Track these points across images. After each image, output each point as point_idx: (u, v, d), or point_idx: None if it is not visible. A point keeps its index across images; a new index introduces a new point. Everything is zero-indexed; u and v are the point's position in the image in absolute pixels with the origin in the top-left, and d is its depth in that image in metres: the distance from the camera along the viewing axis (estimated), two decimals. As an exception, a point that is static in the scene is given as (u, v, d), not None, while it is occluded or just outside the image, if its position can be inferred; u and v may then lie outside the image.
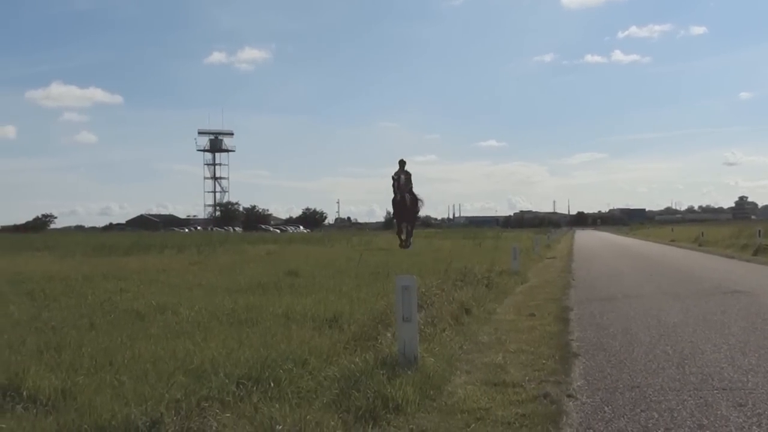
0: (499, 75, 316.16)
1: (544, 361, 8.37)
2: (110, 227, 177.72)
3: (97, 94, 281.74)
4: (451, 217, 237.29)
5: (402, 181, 33.38)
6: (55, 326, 9.18)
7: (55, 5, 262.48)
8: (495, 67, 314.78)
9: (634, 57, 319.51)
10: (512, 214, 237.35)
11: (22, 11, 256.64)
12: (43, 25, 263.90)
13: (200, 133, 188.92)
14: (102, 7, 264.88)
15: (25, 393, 5.90)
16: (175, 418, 5.44)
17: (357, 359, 7.29)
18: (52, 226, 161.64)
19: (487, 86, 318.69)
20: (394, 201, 34.12)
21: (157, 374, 6.57)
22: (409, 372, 6.87)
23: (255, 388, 6.18)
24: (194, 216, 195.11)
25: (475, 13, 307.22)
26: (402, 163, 34.42)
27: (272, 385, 6.28)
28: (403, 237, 34.31)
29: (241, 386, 6.17)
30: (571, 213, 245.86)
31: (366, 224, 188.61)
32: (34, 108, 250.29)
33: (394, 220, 36.25)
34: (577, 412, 6.34)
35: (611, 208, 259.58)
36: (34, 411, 5.64)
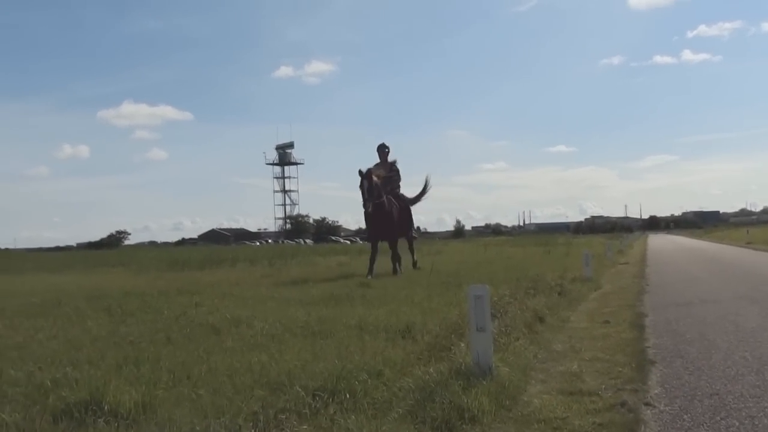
0: (566, 79, 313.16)
1: (620, 369, 8.27)
2: (182, 242, 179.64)
3: (167, 111, 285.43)
4: (521, 224, 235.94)
5: (370, 186, 22.42)
6: (133, 341, 9.35)
7: (125, 26, 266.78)
8: (562, 71, 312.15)
9: (704, 56, 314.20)
10: (583, 220, 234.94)
11: (93, 33, 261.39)
12: (113, 45, 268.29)
13: (277, 147, 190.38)
14: (171, 27, 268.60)
15: (106, 407, 5.98)
16: (253, 430, 5.50)
17: (431, 370, 7.27)
18: (126, 242, 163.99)
19: (555, 91, 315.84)
20: (365, 214, 23.23)
21: (234, 387, 6.65)
22: (484, 382, 6.84)
23: (331, 399, 6.20)
24: (265, 229, 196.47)
25: (540, 17, 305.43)
26: (381, 151, 24.72)
27: (348, 396, 6.29)
28: (374, 265, 23.05)
29: (317, 398, 6.19)
30: (642, 217, 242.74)
31: (435, 233, 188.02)
32: (107, 127, 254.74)
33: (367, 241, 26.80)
34: (655, 421, 6.25)
35: (684, 211, 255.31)
36: (116, 425, 5.72)
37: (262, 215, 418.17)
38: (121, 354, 8.39)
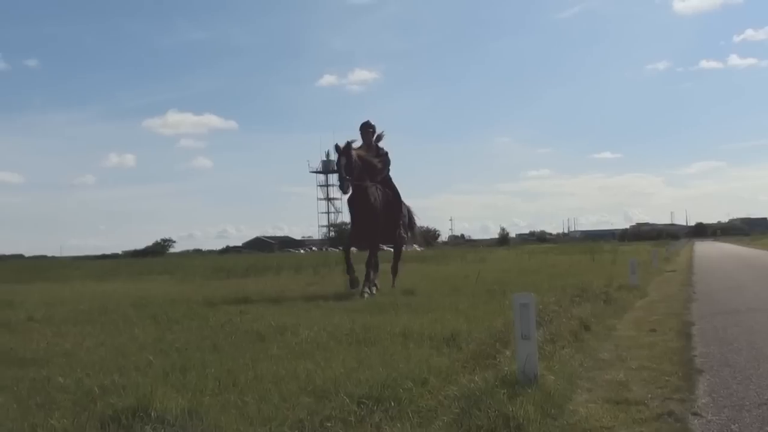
0: (611, 85, 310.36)
1: (667, 378, 8.18)
2: (227, 250, 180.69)
3: (212, 120, 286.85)
4: (566, 231, 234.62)
5: (349, 163, 18.02)
6: (180, 348, 9.43)
7: (171, 36, 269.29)
8: (607, 77, 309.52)
9: (751, 61, 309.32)
10: (629, 227, 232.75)
11: (139, 43, 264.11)
12: (159, 55, 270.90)
13: (323, 159, 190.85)
14: (215, 36, 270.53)
15: (153, 414, 6.02)
16: (299, 438, 5.53)
17: (476, 378, 7.26)
18: (172, 250, 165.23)
19: (600, 97, 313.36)
20: (349, 202, 19.14)
21: (280, 395, 6.67)
22: (529, 390, 6.80)
23: (376, 407, 6.19)
24: (309, 237, 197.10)
25: (583, 24, 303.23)
26: (365, 131, 19.75)
27: (393, 404, 6.28)
28: (355, 274, 18.88)
29: (362, 406, 6.20)
30: (689, 224, 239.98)
31: (480, 241, 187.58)
32: (152, 136, 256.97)
33: (343, 248, 21.55)
34: (702, 431, 6.19)
35: (731, 218, 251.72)
36: (163, 431, 5.79)
37: (306, 223, 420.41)
38: (168, 361, 8.47)
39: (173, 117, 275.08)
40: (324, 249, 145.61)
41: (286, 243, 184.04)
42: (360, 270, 19.02)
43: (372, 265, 18.85)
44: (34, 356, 9.20)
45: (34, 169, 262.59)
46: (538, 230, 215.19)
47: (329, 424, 5.81)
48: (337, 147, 18.26)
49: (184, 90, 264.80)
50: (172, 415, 6.01)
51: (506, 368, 7.47)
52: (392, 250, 22.12)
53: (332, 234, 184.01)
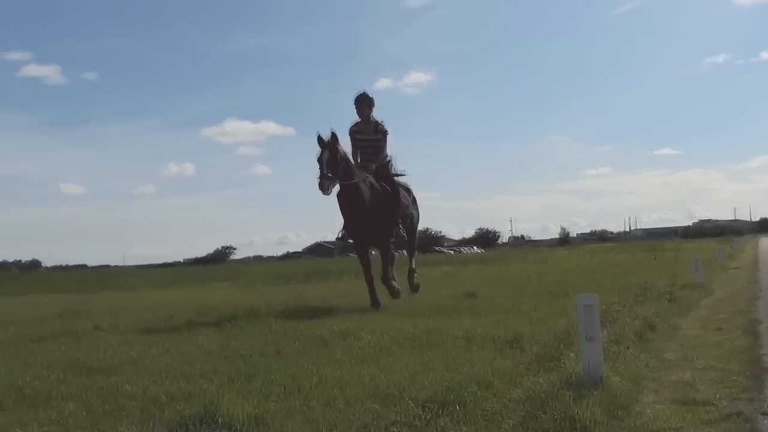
0: (669, 80, 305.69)
1: (734, 378, 8.05)
2: (288, 256, 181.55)
3: (269, 127, 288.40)
4: (627, 230, 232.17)
5: (333, 158, 15.21)
6: (244, 355, 9.50)
7: (226, 44, 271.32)
8: (664, 72, 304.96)
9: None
10: (691, 224, 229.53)
11: (196, 52, 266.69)
12: (215, 64, 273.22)
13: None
14: (270, 44, 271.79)
15: (220, 420, 6.08)
16: (365, 443, 5.54)
17: (541, 380, 7.22)
18: (233, 257, 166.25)
19: (658, 93, 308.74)
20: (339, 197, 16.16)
21: (345, 399, 6.69)
22: (595, 392, 6.75)
23: (441, 411, 6.18)
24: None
25: (638, 19, 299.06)
26: (360, 105, 16.72)
27: (458, 408, 6.27)
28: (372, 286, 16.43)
29: (427, 410, 6.18)
30: (753, 220, 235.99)
31: (540, 241, 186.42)
32: (211, 144, 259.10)
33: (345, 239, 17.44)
34: (773, 431, 6.10)
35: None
36: (231, 437, 5.85)
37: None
38: (233, 367, 8.54)
39: (231, 125, 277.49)
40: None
41: (347, 248, 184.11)
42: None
43: (389, 258, 16.82)
44: (101, 365, 9.32)
45: (96, 180, 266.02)
46: (599, 229, 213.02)
47: (395, 429, 5.82)
48: (319, 138, 15.24)
49: (242, 98, 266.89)
50: (239, 422, 6.05)
51: (571, 370, 7.41)
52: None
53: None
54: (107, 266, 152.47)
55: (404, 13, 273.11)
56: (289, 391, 7.17)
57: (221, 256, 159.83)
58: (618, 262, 36.49)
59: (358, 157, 16.62)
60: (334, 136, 15.39)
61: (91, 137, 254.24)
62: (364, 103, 16.75)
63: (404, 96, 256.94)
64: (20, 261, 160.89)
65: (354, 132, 16.80)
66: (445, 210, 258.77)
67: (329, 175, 15.03)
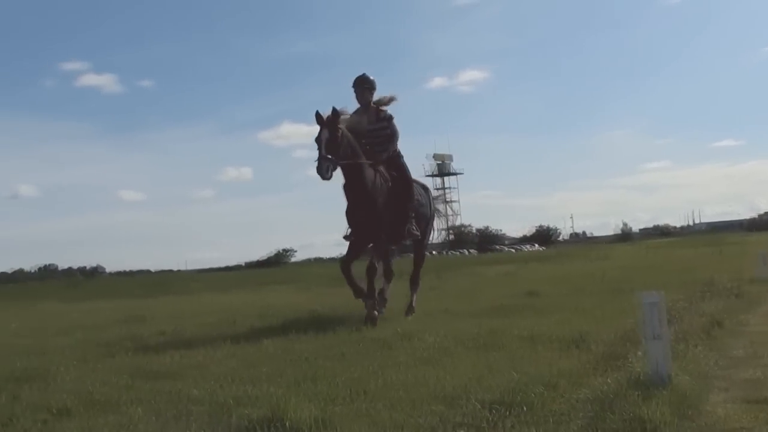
0: (727, 70, 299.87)
1: (807, 374, 7.92)
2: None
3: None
4: (690, 223, 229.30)
5: (333, 138, 13.13)
6: (308, 357, 9.53)
7: (278, 48, 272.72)
8: (722, 62, 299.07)
9: None
10: (756, 216, 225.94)
11: (248, 57, 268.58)
12: (268, 68, 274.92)
13: (434, 157, 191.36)
14: (322, 46, 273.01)
15: (287, 423, 6.10)
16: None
17: (608, 380, 7.16)
18: (292, 259, 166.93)
19: (716, 83, 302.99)
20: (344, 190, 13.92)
21: (410, 402, 6.68)
22: (663, 391, 6.66)
23: (508, 412, 6.15)
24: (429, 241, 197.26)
25: (694, 9, 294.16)
26: (360, 88, 14.43)
27: (525, 409, 6.24)
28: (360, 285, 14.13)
29: (493, 411, 6.17)
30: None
31: (600, 237, 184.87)
32: (267, 148, 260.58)
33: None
34: None
35: None
36: (297, 441, 5.88)
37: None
38: (298, 370, 8.57)
39: (287, 128, 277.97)
40: (444, 252, 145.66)
41: (405, 248, 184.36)
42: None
43: (372, 271, 14.16)
44: (168, 369, 9.40)
45: (155, 185, 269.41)
46: (661, 224, 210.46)
47: (461, 431, 5.81)
48: (318, 116, 13.19)
49: (296, 101, 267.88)
50: (306, 425, 6.07)
51: (638, 369, 7.33)
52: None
53: (451, 237, 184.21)
54: (169, 271, 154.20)
55: (454, 11, 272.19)
56: (354, 394, 7.17)
57: (281, 258, 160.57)
58: (681, 257, 36.07)
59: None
60: (335, 112, 13.29)
61: (148, 144, 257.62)
62: (364, 86, 14.40)
63: (459, 94, 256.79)
64: (84, 267, 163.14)
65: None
66: (503, 208, 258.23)
67: (329, 156, 12.88)
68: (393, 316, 14.02)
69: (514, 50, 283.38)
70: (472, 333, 10.74)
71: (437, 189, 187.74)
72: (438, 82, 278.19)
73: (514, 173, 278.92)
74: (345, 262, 14.41)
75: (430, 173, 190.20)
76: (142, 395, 7.79)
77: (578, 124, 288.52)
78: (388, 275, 15.05)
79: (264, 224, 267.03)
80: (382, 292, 14.53)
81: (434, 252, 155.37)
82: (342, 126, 13.29)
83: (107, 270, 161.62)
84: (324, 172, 12.82)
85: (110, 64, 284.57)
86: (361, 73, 14.47)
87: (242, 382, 8.09)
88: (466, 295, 18.34)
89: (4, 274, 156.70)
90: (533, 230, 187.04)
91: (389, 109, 14.61)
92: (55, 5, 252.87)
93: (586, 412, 6.28)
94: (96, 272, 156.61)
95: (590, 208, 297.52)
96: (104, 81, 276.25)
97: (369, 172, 13.61)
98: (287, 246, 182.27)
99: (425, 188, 16.18)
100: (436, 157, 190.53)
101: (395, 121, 14.59)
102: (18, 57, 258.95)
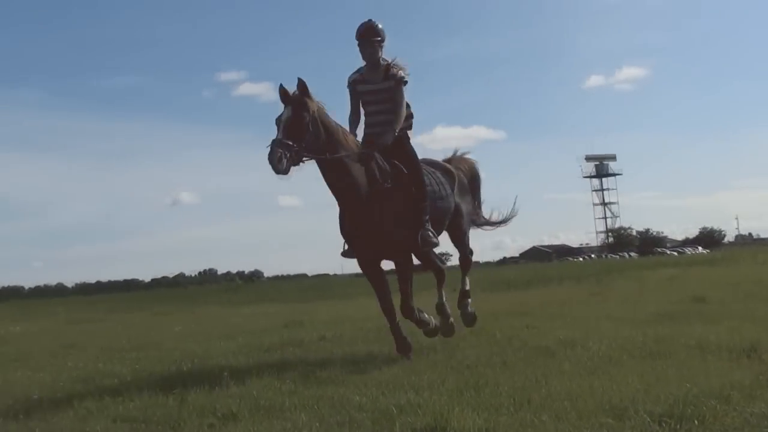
0: None
1: None
2: (504, 261, 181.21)
3: (480, 131, 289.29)
4: None
5: (298, 119, 9.39)
6: (470, 365, 9.44)
7: (433, 51, 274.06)
8: None
9: None
10: None
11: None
12: (423, 71, 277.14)
13: (586, 158, 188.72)
14: (476, 48, 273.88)
15: (451, 433, 6.07)
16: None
17: (786, 393, 6.84)
18: (449, 263, 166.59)
19: None
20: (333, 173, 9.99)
21: (576, 413, 6.51)
22: None
23: (678, 426, 5.94)
24: (587, 244, 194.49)
25: None
26: (366, 42, 10.53)
27: (696, 423, 6.01)
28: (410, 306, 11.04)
29: (663, 425, 5.97)
30: None
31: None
32: (423, 152, 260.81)
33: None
34: None
35: None
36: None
37: (582, 230, 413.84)
38: (460, 378, 8.49)
39: (441, 131, 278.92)
40: (603, 256, 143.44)
41: (564, 251, 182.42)
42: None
43: (409, 309, 11.05)
44: (330, 375, 9.44)
45: (312, 191, 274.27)
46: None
47: (631, 445, 5.65)
48: (281, 91, 9.69)
49: (450, 104, 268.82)
50: (470, 435, 6.03)
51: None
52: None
53: (610, 240, 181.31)
54: (326, 275, 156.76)
55: (608, 9, 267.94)
56: (518, 404, 7.04)
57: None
58: None
59: (365, 119, 10.98)
60: (302, 84, 9.63)
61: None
62: (371, 37, 10.57)
63: (618, 92, 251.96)
64: (243, 272, 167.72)
65: (355, 82, 10.78)
66: (665, 210, 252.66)
67: (288, 143, 9.23)
68: (554, 322, 13.78)
69: (673, 46, 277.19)
70: (637, 341, 10.45)
71: (594, 191, 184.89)
72: (596, 80, 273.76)
73: (675, 173, 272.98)
74: (383, 301, 10.97)
75: (587, 175, 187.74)
76: (305, 401, 7.85)
77: (742, 120, 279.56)
78: (409, 280, 11.21)
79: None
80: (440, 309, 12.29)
81: (593, 255, 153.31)
82: (314, 105, 9.68)
83: (265, 274, 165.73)
84: (276, 161, 9.04)
85: (266, 72, 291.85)
86: (366, 20, 10.72)
87: (404, 389, 8.06)
88: (628, 300, 17.91)
89: (165, 278, 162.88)
90: (696, 232, 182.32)
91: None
92: (213, 19, 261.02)
93: (761, 428, 6.00)
94: (254, 276, 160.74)
95: (757, 208, 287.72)
96: (261, 89, 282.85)
97: (352, 166, 9.99)
98: (445, 250, 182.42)
99: (446, 172, 11.68)
100: (589, 158, 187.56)
101: (405, 89, 10.78)
102: (178, 70, 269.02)
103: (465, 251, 12.70)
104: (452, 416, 6.34)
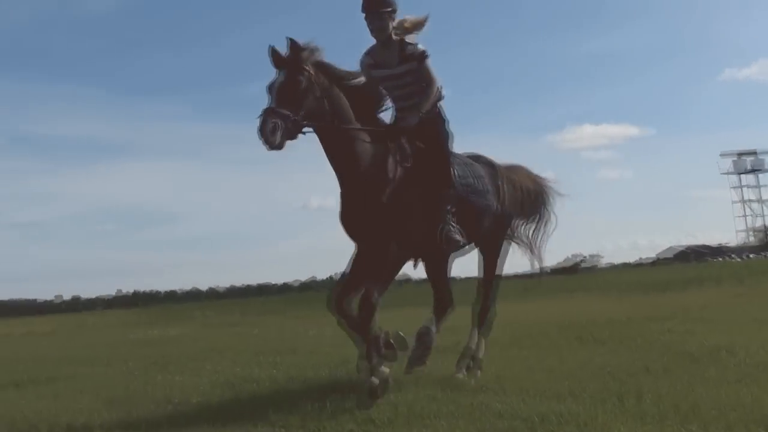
0: None
1: None
2: (641, 262, 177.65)
3: (613, 130, 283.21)
4: None
5: (294, 88, 7.80)
6: (611, 372, 9.22)
7: (571, 49, 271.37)
8: None
9: None
10: None
11: (538, 60, 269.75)
12: (557, 70, 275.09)
13: (722, 155, 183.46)
14: (613, 46, 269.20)
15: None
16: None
17: None
18: (583, 264, 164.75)
19: None
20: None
21: (725, 424, 6.28)
22: None
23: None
24: (726, 244, 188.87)
25: None
26: (374, 15, 8.46)
27: None
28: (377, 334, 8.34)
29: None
30: None
31: None
32: (554, 151, 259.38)
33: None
34: None
35: None
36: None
37: (721, 229, 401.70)
38: (602, 386, 8.30)
39: (576, 131, 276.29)
40: (745, 256, 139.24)
41: (702, 252, 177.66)
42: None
43: (369, 308, 8.22)
44: (468, 381, 9.33)
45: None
46: None
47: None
48: (273, 53, 8.01)
49: (585, 101, 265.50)
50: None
51: None
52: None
53: (751, 239, 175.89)
54: (452, 279, 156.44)
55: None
56: (663, 413, 6.83)
57: (573, 265, 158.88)
58: None
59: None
60: (294, 46, 7.98)
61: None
62: (380, 8, 8.54)
63: (754, 84, 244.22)
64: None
65: (367, 66, 8.91)
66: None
67: (282, 111, 7.73)
68: (696, 327, 13.38)
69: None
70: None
71: (732, 188, 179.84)
72: (730, 73, 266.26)
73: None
74: (335, 296, 8.63)
75: (726, 171, 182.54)
76: (445, 408, 7.79)
77: None
78: (443, 304, 10.05)
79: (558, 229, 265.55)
80: (422, 335, 9.77)
81: (733, 256, 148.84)
82: (310, 69, 8.07)
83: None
84: (269, 133, 7.59)
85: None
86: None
87: (545, 397, 7.93)
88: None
89: (297, 282, 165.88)
90: None
91: (419, 41, 8.84)
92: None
93: None
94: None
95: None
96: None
97: (365, 147, 8.35)
98: (577, 252, 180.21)
99: (491, 165, 9.74)
100: (724, 154, 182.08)
101: (430, 62, 8.82)
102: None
103: (493, 265, 10.15)
104: (596, 426, 6.22)
